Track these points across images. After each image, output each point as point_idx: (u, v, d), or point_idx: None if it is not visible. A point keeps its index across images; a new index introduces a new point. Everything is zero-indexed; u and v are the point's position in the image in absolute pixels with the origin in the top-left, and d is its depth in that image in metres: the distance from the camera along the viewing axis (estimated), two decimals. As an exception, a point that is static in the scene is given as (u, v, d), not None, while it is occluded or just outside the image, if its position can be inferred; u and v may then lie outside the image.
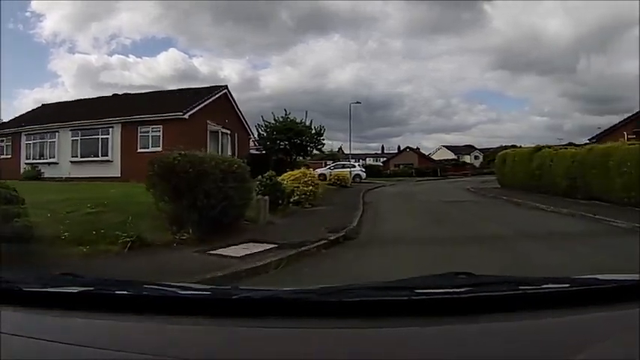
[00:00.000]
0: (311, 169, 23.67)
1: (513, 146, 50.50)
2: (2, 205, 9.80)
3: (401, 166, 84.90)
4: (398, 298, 1.79)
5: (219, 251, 10.79)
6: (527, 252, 11.33)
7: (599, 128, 47.73)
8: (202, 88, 40.12)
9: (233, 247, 11.30)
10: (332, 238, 12.84)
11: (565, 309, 1.72)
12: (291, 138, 42.42)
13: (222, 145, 37.41)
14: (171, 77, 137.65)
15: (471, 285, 1.92)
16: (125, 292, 1.93)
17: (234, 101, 42.00)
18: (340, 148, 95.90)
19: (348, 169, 47.96)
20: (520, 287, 1.90)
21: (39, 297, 1.90)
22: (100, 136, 34.05)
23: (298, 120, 44.42)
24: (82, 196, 15.71)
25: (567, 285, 1.93)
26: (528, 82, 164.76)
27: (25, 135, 36.47)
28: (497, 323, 1.65)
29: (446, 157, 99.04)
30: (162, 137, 32.37)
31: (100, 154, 33.94)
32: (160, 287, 2.00)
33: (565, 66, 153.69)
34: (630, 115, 42.14)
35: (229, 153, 38.18)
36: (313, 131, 44.57)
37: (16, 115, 41.83)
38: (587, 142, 38.49)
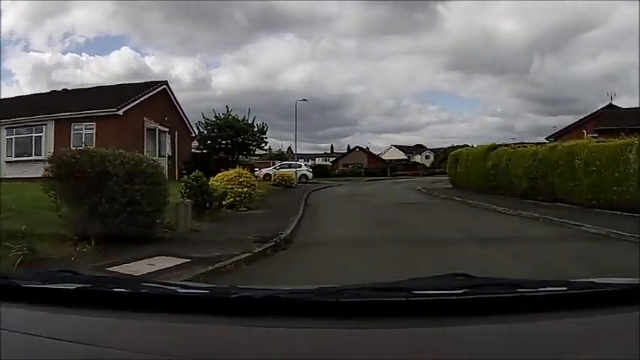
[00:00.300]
0: (247, 169, 21.13)
1: (465, 145, 48.80)
2: None
3: (350, 166, 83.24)
4: (396, 299, 1.75)
5: (120, 267, 9.31)
6: (492, 268, 8.96)
7: (555, 127, 47.24)
8: (141, 83, 37.67)
9: (137, 262, 9.74)
10: (258, 249, 10.99)
11: (562, 312, 1.70)
12: (232, 136, 39.64)
13: (160, 143, 34.87)
14: (124, 76, 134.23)
15: (468, 287, 1.86)
16: (123, 290, 1.90)
17: (175, 98, 39.38)
18: (290, 148, 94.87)
19: (294, 169, 45.88)
20: (518, 290, 1.86)
21: (37, 293, 1.88)
22: (34, 135, 32.24)
23: (241, 117, 41.73)
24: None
25: (565, 288, 1.89)
26: (481, 83, 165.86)
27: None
28: (494, 325, 1.63)
29: (396, 157, 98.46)
30: (96, 135, 30.49)
31: (33, 153, 31.56)
32: (158, 285, 1.99)
33: (518, 67, 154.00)
34: (590, 113, 41.68)
35: (169, 152, 36.38)
36: (256, 129, 42.01)
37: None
38: (546, 141, 36.94)
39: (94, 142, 28.88)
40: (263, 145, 43.03)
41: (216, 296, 1.87)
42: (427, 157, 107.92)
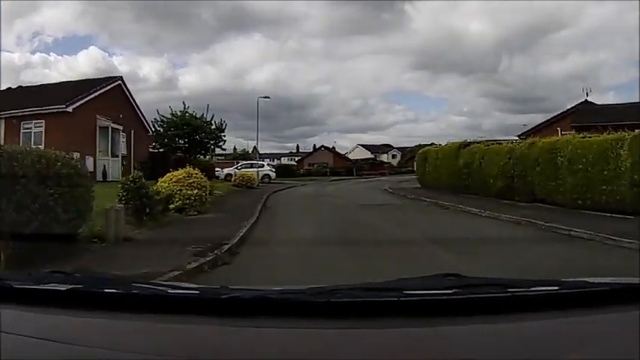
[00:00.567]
0: (197, 170, 19.03)
1: (433, 144, 47.09)
2: None
3: (315, 166, 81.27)
4: (387, 299, 1.75)
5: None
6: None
7: (525, 125, 45.94)
8: (95, 79, 35.75)
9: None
10: (192, 265, 9.01)
11: (554, 312, 1.70)
12: (190, 134, 37.06)
13: (113, 142, 32.94)
14: (92, 76, 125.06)
15: (459, 286, 1.86)
16: (114, 291, 1.87)
17: (131, 95, 37.25)
18: (255, 148, 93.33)
19: (256, 169, 43.80)
20: (509, 289, 1.85)
21: (29, 294, 1.87)
22: (-15, 133, 30.15)
23: (204, 115, 39.02)
24: None
25: (556, 288, 1.88)
26: (448, 83, 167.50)
27: None
28: (485, 325, 1.62)
29: (363, 157, 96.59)
30: (45, 134, 28.99)
31: (-17, 153, 28.94)
32: (150, 286, 1.99)
33: (486, 66, 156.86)
34: (565, 109, 40.13)
35: (123, 152, 34.41)
36: (214, 126, 38.96)
37: None
38: (517, 138, 35.29)
39: (42, 141, 27.67)
40: (221, 143, 40.25)
41: (207, 297, 1.85)
42: (394, 156, 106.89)
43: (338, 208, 21.42)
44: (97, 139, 31.48)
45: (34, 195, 9.06)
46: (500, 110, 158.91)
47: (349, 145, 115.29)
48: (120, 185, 14.60)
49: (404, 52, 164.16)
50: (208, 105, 48.80)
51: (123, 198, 13.97)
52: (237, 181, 35.92)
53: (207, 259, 9.50)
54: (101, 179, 28.99)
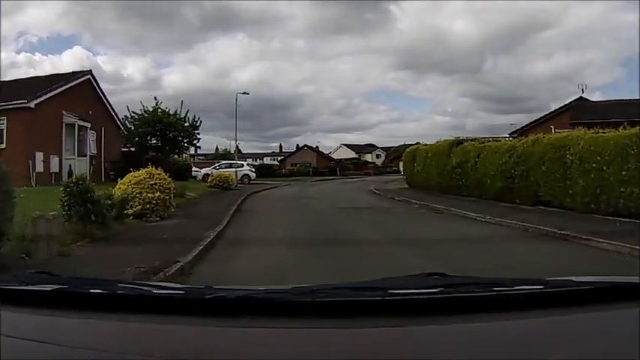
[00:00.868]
0: (159, 170, 16.84)
1: (418, 143, 45.15)
2: None
3: (298, 166, 78.68)
4: (371, 298, 1.74)
5: None
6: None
7: (513, 124, 44.61)
8: (64, 74, 33.14)
9: None
10: None
11: (539, 310, 1.69)
12: (163, 132, 34.27)
13: (80, 140, 30.54)
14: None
15: (444, 286, 1.87)
16: (99, 291, 1.86)
17: (102, 90, 34.76)
18: (237, 147, 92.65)
19: (235, 169, 41.57)
20: (494, 288, 1.85)
21: (15, 295, 1.86)
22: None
23: (184, 113, 36.16)
24: None
25: (541, 286, 1.89)
26: (432, 83, 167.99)
27: None
28: (470, 324, 1.61)
29: (346, 156, 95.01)
30: (7, 131, 26.96)
31: (-50, 153, 27.41)
32: (135, 286, 1.98)
33: (470, 66, 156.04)
34: (560, 107, 38.67)
35: (93, 151, 32.09)
36: (187, 123, 35.95)
37: None
38: (508, 137, 33.57)
39: (4, 138, 26.71)
40: (195, 141, 37.25)
41: (192, 297, 1.84)
42: (378, 155, 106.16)
43: (319, 212, 19.24)
44: (64, 138, 29.23)
45: None
46: (484, 110, 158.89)
47: (333, 144, 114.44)
48: (61, 188, 12.39)
49: (388, 51, 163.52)
50: (182, 101, 46.28)
51: (65, 203, 11.83)
52: (214, 182, 33.68)
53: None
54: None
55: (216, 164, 46.81)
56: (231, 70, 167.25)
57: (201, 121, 35.09)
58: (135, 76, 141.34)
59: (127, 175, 16.70)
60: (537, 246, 11.42)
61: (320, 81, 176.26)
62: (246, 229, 14.59)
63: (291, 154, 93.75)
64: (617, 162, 13.93)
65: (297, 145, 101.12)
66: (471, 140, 24.37)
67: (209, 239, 11.44)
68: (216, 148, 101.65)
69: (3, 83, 31.82)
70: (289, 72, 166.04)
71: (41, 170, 26.47)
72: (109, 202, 13.05)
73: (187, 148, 37.68)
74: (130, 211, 14.99)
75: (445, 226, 15.10)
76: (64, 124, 29.32)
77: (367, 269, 8.08)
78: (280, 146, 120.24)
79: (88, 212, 11.80)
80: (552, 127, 31.32)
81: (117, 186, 16.00)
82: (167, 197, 16.00)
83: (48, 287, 1.82)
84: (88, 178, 12.65)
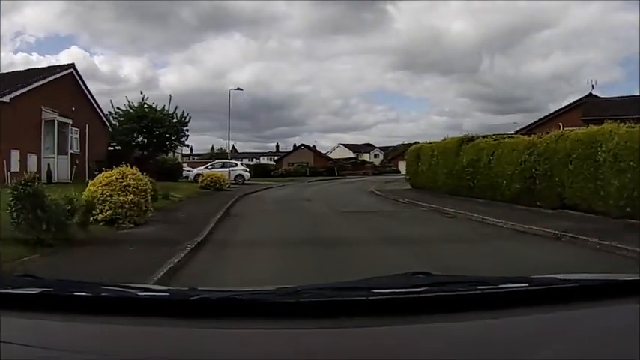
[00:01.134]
0: (134, 169, 14.83)
1: (416, 143, 43.14)
2: None
3: (295, 165, 77.10)
4: (356, 298, 1.74)
5: None
6: None
7: (515, 123, 43.12)
8: (44, 67, 31.43)
9: None
10: None
11: (524, 308, 1.70)
12: (149, 129, 31.90)
13: (61, 138, 28.35)
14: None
15: (428, 284, 1.88)
16: (83, 293, 1.84)
17: (86, 85, 32.47)
18: (233, 147, 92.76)
19: (228, 169, 39.29)
20: (478, 287, 1.85)
21: (0, 298, 1.83)
22: None
23: (172, 109, 33.91)
24: None
25: (526, 284, 1.89)
26: (429, 83, 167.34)
27: None
28: (454, 323, 1.62)
29: (344, 156, 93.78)
30: None
31: None
32: (118, 288, 1.97)
33: (468, 66, 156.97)
34: (570, 103, 36.71)
35: (75, 149, 29.95)
36: (175, 120, 33.38)
37: None
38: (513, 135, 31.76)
39: None
40: (184, 139, 35.04)
41: (176, 298, 1.85)
42: (376, 155, 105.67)
43: (317, 218, 17.10)
44: (43, 135, 27.10)
45: None
46: (482, 110, 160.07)
47: (330, 145, 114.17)
48: (9, 191, 10.37)
49: (385, 52, 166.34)
50: (170, 95, 44.24)
51: (13, 210, 9.86)
52: (205, 182, 31.67)
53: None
54: (46, 181, 24.87)
55: (209, 164, 44.63)
56: (228, 70, 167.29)
57: (190, 117, 32.58)
58: (132, 76, 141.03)
59: (99, 176, 14.71)
60: (581, 258, 9.44)
61: (317, 81, 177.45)
62: (233, 236, 12.58)
63: (288, 153, 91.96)
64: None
65: (294, 145, 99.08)
66: (483, 137, 22.39)
67: (183, 253, 9.43)
68: (212, 148, 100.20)
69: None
70: (286, 72, 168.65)
71: (17, 170, 23.93)
72: (69, 207, 11.09)
73: (176, 147, 35.05)
74: (100, 217, 13.07)
75: (465, 235, 13.02)
76: (43, 121, 27.20)
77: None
78: (277, 146, 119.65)
79: (38, 220, 9.83)
80: (560, 124, 29.46)
81: (87, 187, 14.05)
82: (143, 200, 13.96)
83: (33, 290, 1.79)
84: (36, 177, 10.62)
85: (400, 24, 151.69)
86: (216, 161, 46.52)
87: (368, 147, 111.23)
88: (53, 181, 25.20)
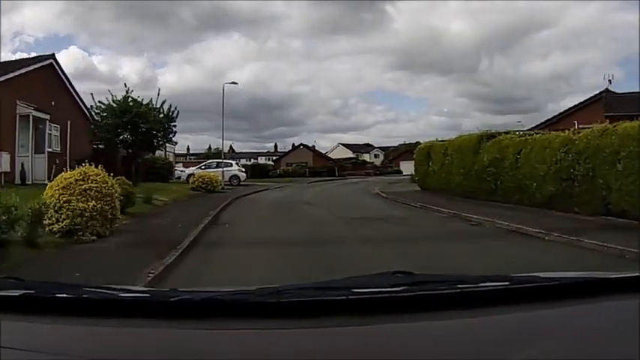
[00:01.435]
0: (99, 169, 12.21)
1: (418, 143, 40.68)
2: None
3: (293, 165, 74.77)
4: (336, 297, 1.72)
5: None
6: None
7: (519, 122, 41.21)
8: (21, 59, 30.10)
9: None
10: None
11: (505, 307, 1.69)
12: (134, 125, 28.00)
13: (37, 135, 25.97)
14: (71, 75, 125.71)
15: (409, 284, 1.86)
16: (65, 295, 1.79)
17: (68, 79, 30.22)
18: (231, 147, 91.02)
19: (222, 169, 36.83)
20: (458, 286, 1.84)
21: None
22: None
23: (160, 103, 29.86)
24: None
25: (507, 283, 1.88)
26: (428, 83, 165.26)
27: None
28: (435, 322, 1.62)
29: (344, 156, 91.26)
30: None
31: None
32: (100, 290, 1.92)
33: (467, 66, 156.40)
34: (586, 99, 34.52)
35: (54, 148, 27.65)
36: (162, 115, 29.08)
37: None
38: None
39: None
40: (171, 135, 31.14)
41: (157, 300, 1.84)
42: (376, 155, 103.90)
43: (319, 226, 14.62)
44: (17, 131, 24.70)
45: None
46: (480, 111, 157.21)
47: (329, 145, 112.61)
48: None
49: (384, 52, 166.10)
50: (159, 89, 41.40)
51: None
52: (196, 183, 29.34)
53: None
54: (19, 182, 22.59)
55: (202, 164, 42.29)
56: (227, 70, 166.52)
57: (178, 112, 29.20)
58: (130, 76, 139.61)
59: (58, 177, 12.26)
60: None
61: (316, 81, 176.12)
62: (209, 264, 9.64)
63: (287, 153, 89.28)
64: None
65: (293, 145, 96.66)
66: (505, 133, 19.97)
67: (150, 278, 7.08)
68: (209, 147, 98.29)
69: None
70: (285, 72, 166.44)
71: (-13, 170, 22.03)
72: (5, 217, 8.71)
73: (163, 144, 32.04)
74: (56, 227, 10.78)
75: (501, 250, 10.56)
76: (17, 116, 24.74)
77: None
78: (275, 145, 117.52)
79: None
80: (576, 122, 27.30)
81: (45, 191, 11.75)
82: (107, 207, 11.48)
83: (16, 292, 1.77)
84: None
85: (399, 24, 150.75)
86: (210, 161, 44.06)
87: (368, 147, 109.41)
88: (27, 182, 23.25)
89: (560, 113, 34.87)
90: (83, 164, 12.74)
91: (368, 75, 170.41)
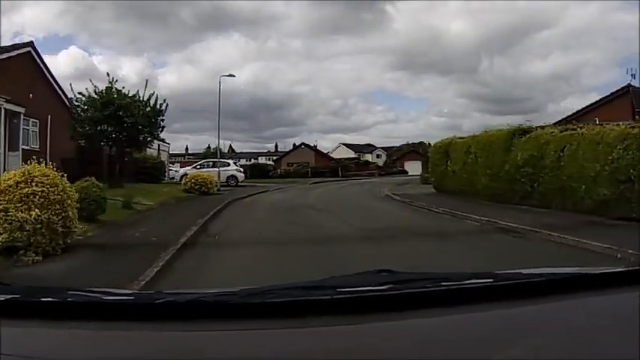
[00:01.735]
0: (49, 169, 9.66)
1: (421, 143, 37.95)
2: None
3: (294, 165, 72.19)
4: (321, 297, 1.71)
5: None
6: None
7: (529, 121, 38.80)
8: None
9: None
10: None
11: (489, 304, 1.67)
12: (117, 119, 24.82)
13: (9, 129, 23.45)
14: (72, 75, 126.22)
15: (393, 282, 1.83)
16: (50, 299, 1.77)
17: (48, 69, 27.66)
18: (230, 146, 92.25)
19: (218, 169, 34.26)
20: (443, 284, 1.83)
21: None
22: None
23: (148, 96, 26.82)
24: None
25: (491, 280, 1.88)
26: (428, 83, 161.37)
27: None
28: (420, 320, 1.60)
29: (346, 156, 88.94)
30: None
31: None
32: (85, 293, 1.88)
33: (467, 67, 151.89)
34: (606, 95, 32.13)
35: (33, 144, 25.29)
36: (148, 108, 26.00)
37: None
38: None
39: None
40: (158, 131, 27.78)
41: (141, 302, 1.82)
42: (378, 156, 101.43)
43: (330, 241, 11.50)
44: (-12, 124, 22.32)
45: None
46: (480, 111, 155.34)
47: (330, 145, 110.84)
48: None
49: (384, 52, 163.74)
50: (147, 80, 38.41)
51: None
52: (189, 184, 26.80)
53: None
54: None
55: (197, 163, 39.70)
56: (227, 70, 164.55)
57: (167, 105, 26.62)
58: (130, 76, 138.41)
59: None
60: None
61: (316, 81, 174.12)
62: (201, 275, 7.23)
63: (287, 153, 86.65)
64: None
65: (294, 144, 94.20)
66: (541, 127, 17.42)
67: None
68: (208, 147, 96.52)
69: None
70: (285, 72, 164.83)
71: (-49, 169, 19.57)
72: None
73: (150, 141, 28.77)
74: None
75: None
76: (-12, 108, 22.36)
77: None
78: (276, 145, 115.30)
79: None
80: (596, 118, 25.02)
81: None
82: (57, 217, 8.89)
83: (2, 297, 1.72)
84: None
85: (399, 24, 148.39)
86: (206, 160, 41.41)
87: (369, 147, 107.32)
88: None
89: (578, 111, 32.38)
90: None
91: (368, 75, 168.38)
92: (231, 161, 40.74)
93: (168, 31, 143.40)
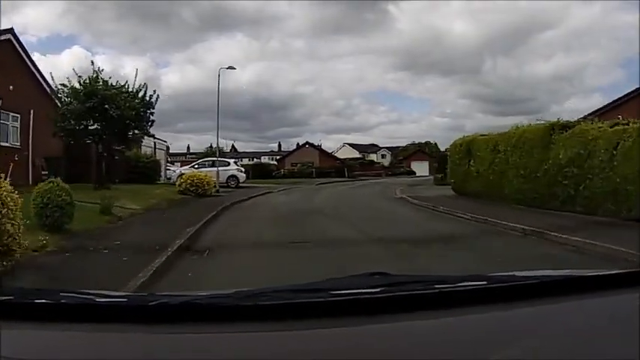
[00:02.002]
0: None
1: (427, 143, 35.77)
2: None
3: (298, 165, 69.96)
4: (314, 300, 1.71)
5: None
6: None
7: (539, 120, 37.04)
8: None
9: None
10: None
11: (483, 306, 1.67)
12: (102, 112, 22.51)
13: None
14: (74, 75, 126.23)
15: (386, 285, 1.84)
16: (44, 301, 1.76)
17: (32, 60, 25.61)
18: (233, 146, 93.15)
19: (217, 169, 32.02)
20: (436, 286, 1.81)
21: None
22: None
23: (138, 88, 24.25)
24: None
25: (484, 282, 1.86)
26: (431, 84, 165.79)
27: None
28: (413, 322, 1.60)
29: (350, 156, 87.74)
30: None
31: None
32: (77, 295, 1.88)
33: (470, 67, 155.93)
34: (632, 90, 28.98)
35: (13, 141, 23.36)
36: (137, 101, 23.48)
37: None
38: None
39: None
40: (147, 126, 24.98)
41: (135, 304, 1.81)
42: (383, 156, 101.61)
43: (347, 259, 9.06)
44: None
45: None
46: (483, 112, 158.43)
47: (333, 145, 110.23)
48: None
49: (387, 52, 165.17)
50: (137, 69, 35.96)
51: None
52: (184, 186, 24.64)
53: None
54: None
55: (195, 163, 37.69)
56: (229, 70, 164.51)
57: (158, 96, 24.47)
58: (132, 75, 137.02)
59: None
60: None
61: (319, 81, 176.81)
62: None
63: (291, 152, 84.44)
64: None
65: (298, 144, 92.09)
66: (583, 120, 15.26)
67: None
68: (210, 146, 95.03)
69: None
70: (288, 72, 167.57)
71: None
72: None
73: (139, 137, 26.18)
74: None
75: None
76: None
77: None
78: (279, 145, 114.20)
79: None
80: (620, 116, 22.90)
81: None
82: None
83: None
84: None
85: (402, 24, 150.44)
86: (204, 159, 39.25)
87: (374, 147, 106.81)
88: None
89: (599, 109, 29.91)
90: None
91: (370, 75, 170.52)
92: (231, 160, 37.95)
93: (171, 31, 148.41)
